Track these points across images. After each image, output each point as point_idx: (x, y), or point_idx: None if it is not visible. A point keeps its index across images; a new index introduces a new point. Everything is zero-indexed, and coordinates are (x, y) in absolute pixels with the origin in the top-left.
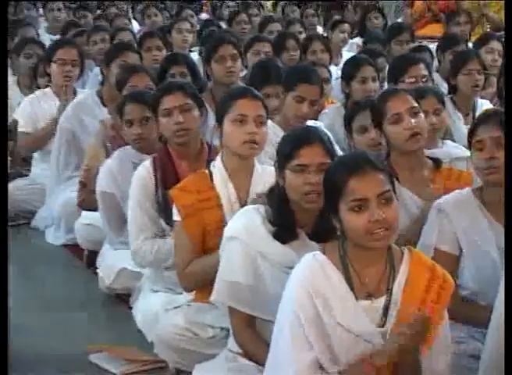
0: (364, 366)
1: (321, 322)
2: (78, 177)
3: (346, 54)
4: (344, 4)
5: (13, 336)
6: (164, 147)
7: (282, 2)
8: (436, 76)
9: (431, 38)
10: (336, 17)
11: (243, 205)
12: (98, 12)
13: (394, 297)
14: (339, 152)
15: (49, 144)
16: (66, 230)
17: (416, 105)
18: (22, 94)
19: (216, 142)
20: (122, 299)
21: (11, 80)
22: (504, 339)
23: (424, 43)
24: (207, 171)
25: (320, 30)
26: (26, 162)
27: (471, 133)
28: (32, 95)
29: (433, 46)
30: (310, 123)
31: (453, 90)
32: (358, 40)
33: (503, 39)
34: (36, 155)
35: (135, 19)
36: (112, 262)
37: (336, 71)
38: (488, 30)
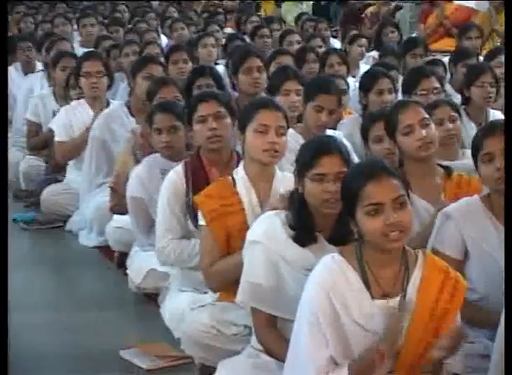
0: (374, 355)
1: (339, 320)
2: (109, 183)
3: (364, 66)
4: (360, 19)
5: (49, 333)
6: (196, 153)
7: (303, 18)
8: (448, 87)
9: (444, 52)
10: (354, 32)
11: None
12: (129, 26)
13: (409, 297)
14: (357, 160)
15: (82, 152)
16: (98, 233)
17: (427, 116)
18: (58, 105)
19: (239, 149)
20: (150, 298)
21: (47, 91)
22: (504, 339)
23: (438, 56)
24: (230, 178)
25: (338, 44)
26: (62, 168)
27: (478, 147)
28: (67, 106)
29: (446, 59)
30: (329, 132)
31: (466, 101)
32: (375, 53)
33: None
34: (70, 162)
35: (164, 33)
36: (141, 263)
37: (353, 83)
38: (498, 44)
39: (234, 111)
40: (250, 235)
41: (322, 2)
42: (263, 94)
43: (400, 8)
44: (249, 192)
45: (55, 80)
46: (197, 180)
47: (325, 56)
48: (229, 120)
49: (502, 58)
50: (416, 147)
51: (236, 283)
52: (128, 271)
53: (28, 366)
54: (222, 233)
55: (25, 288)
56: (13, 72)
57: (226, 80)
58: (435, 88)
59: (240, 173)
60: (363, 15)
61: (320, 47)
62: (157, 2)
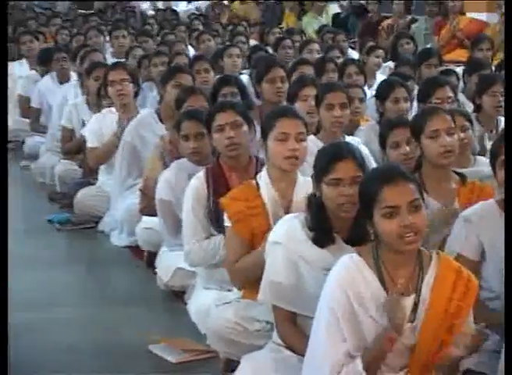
0: (384, 341)
1: (356, 317)
2: (138, 186)
3: (380, 76)
4: (377, 31)
5: (82, 328)
6: (216, 160)
7: (323, 30)
8: (462, 96)
9: (456, 62)
10: (371, 43)
11: (286, 211)
12: (158, 38)
13: (423, 295)
14: (374, 165)
15: (112, 157)
16: (128, 233)
17: (453, 125)
18: (91, 113)
19: (262, 155)
20: (178, 296)
21: (81, 99)
22: (504, 339)
23: (451, 67)
24: (254, 182)
25: (356, 54)
26: (94, 172)
27: (495, 153)
28: (98, 114)
29: (459, 69)
30: (348, 139)
31: (477, 109)
32: (391, 63)
33: None
34: (102, 166)
35: (191, 44)
36: (169, 263)
37: (370, 92)
38: None
39: (250, 119)
40: (271, 236)
41: (341, 15)
42: (285, 103)
43: (415, 20)
44: (271, 196)
45: (88, 89)
46: (217, 185)
47: (343, 66)
48: (245, 128)
49: None
50: (438, 153)
51: (258, 281)
52: (156, 270)
53: (61, 358)
54: (247, 233)
55: (59, 285)
56: (49, 81)
57: (250, 89)
58: (449, 97)
59: (263, 178)
60: (380, 27)
61: (338, 58)
62: (185, 15)
